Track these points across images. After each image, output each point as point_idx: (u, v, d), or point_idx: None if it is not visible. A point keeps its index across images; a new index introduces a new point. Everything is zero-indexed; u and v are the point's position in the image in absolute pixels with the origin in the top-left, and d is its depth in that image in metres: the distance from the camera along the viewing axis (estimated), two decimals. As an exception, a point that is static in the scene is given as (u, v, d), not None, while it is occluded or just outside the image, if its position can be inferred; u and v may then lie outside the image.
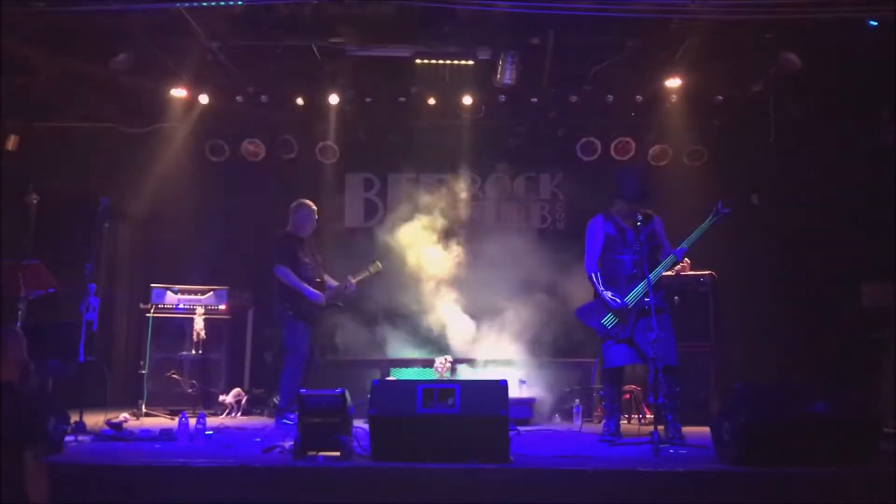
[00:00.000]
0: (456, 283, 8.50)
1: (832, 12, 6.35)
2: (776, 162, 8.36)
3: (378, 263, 7.47)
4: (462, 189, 9.15)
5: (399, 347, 8.42)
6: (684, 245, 5.89)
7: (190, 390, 7.99)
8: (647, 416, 6.96)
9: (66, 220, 7.08)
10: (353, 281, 7.27)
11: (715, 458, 4.89)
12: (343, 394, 4.90)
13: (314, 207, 7.27)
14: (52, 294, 5.68)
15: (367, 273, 7.39)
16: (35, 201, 5.72)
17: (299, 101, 8.60)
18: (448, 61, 7.92)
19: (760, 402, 4.72)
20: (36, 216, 5.77)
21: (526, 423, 7.04)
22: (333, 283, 7.32)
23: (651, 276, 5.72)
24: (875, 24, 6.41)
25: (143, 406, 7.66)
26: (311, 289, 6.99)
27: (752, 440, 4.56)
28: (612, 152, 8.82)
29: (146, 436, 5.80)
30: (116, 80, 7.71)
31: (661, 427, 5.42)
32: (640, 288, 5.81)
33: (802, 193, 8.24)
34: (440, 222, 8.86)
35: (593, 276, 6.03)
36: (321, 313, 7.15)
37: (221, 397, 7.81)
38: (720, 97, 8.31)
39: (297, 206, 7.24)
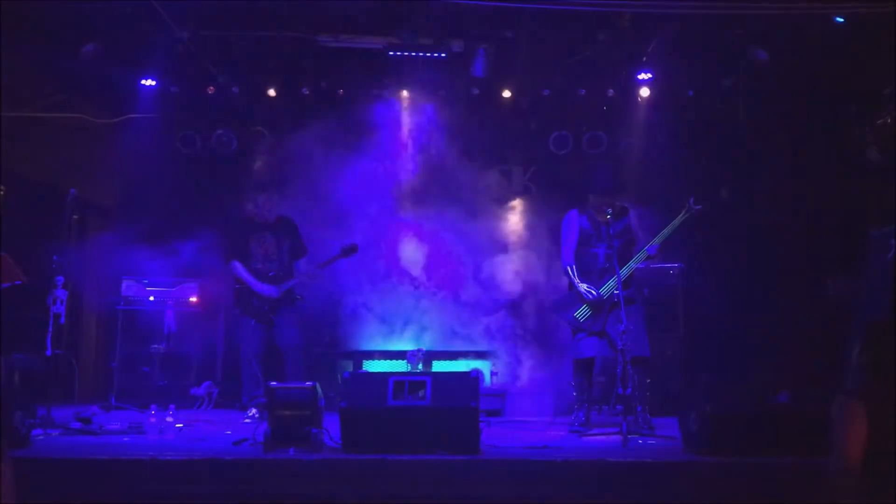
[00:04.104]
0: (429, 275, 8.50)
1: (799, 9, 6.46)
2: (745, 156, 8.44)
3: (355, 246, 6.97)
4: (435, 182, 9.14)
5: (371, 338, 8.41)
6: (656, 242, 5.95)
7: (160, 383, 7.93)
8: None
9: (33, 211, 6.99)
10: (320, 268, 6.90)
11: (682, 449, 4.97)
12: (314, 386, 4.90)
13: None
14: (19, 286, 5.60)
15: (336, 258, 6.94)
16: (2, 193, 5.63)
17: (271, 92, 8.54)
18: (421, 54, 7.91)
19: (726, 393, 4.80)
20: (2, 207, 5.68)
21: (497, 415, 7.09)
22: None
23: (623, 270, 5.82)
24: (842, 20, 6.51)
25: (113, 400, 7.60)
26: (259, 282, 6.78)
27: (718, 431, 4.63)
28: (585, 146, 8.86)
29: (116, 429, 5.76)
30: (85, 71, 7.61)
31: (630, 418, 5.47)
32: (612, 282, 5.87)
33: (771, 188, 8.33)
34: (414, 215, 8.84)
35: (569, 269, 6.10)
36: (275, 307, 6.81)
37: (193, 390, 7.76)
38: (690, 92, 8.37)
39: (259, 189, 7.05)
